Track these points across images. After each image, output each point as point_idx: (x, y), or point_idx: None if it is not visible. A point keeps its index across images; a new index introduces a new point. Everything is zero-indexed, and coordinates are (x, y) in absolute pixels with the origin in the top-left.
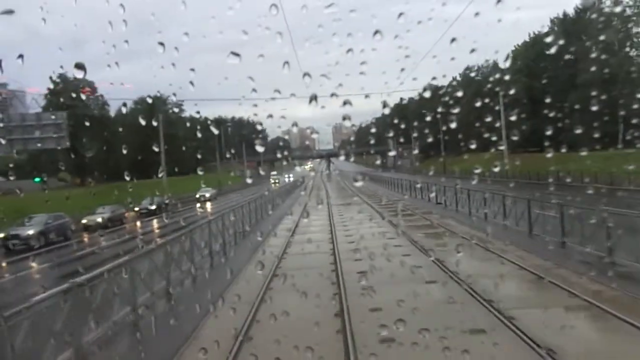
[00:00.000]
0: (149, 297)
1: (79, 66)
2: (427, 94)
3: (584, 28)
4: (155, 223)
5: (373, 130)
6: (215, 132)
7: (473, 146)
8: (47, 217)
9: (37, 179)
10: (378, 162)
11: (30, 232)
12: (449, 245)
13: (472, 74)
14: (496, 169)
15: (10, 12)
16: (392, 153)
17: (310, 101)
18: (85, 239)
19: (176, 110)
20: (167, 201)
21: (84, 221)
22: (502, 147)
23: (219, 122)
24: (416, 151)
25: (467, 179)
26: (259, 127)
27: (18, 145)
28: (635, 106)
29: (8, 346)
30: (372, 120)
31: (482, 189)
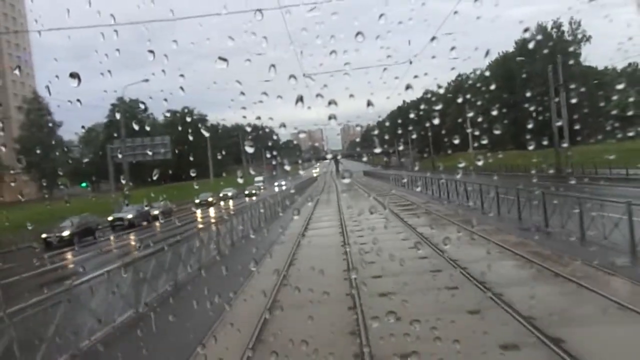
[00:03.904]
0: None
1: (73, 75)
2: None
3: (539, 49)
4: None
5: (376, 132)
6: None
7: (448, 150)
8: (137, 206)
9: (83, 184)
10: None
11: (130, 216)
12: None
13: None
14: (460, 168)
15: (146, 80)
16: (377, 150)
17: (297, 102)
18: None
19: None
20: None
21: None
22: (470, 149)
23: (237, 129)
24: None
25: (448, 173)
26: (248, 129)
27: (139, 157)
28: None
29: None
30: (376, 122)
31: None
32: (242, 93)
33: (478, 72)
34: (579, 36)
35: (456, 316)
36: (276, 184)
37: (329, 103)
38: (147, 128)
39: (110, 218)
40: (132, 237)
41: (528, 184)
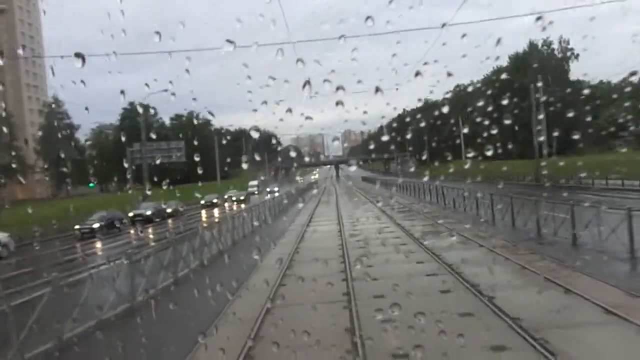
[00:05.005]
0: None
1: (78, 55)
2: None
3: (531, 64)
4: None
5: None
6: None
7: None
8: (154, 204)
9: (91, 184)
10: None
11: (148, 212)
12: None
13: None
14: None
15: (165, 90)
16: (352, 162)
17: (304, 86)
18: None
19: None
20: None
21: None
22: (468, 156)
23: (240, 133)
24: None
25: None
26: (254, 134)
27: (157, 159)
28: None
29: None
30: (377, 128)
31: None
32: (249, 77)
33: (475, 80)
34: (568, 53)
35: (409, 265)
36: (268, 189)
37: (337, 89)
38: (153, 135)
39: (131, 214)
40: (150, 230)
41: (498, 190)
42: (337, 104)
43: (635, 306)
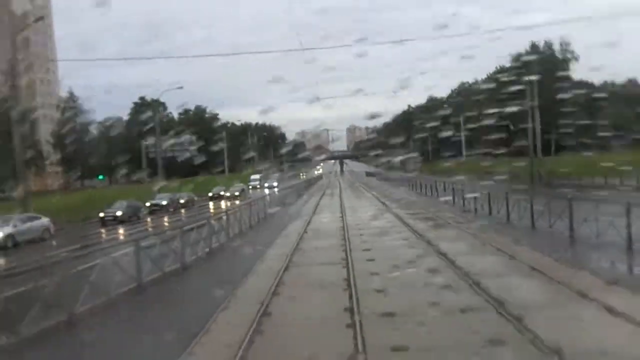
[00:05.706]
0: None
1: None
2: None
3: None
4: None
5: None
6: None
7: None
8: (169, 194)
9: (100, 177)
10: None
11: (164, 202)
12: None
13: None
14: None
15: (180, 87)
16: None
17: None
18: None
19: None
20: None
21: None
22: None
23: (246, 128)
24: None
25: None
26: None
27: (172, 153)
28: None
29: None
30: (382, 125)
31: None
32: (257, 70)
33: (480, 80)
34: (568, 55)
35: (395, 239)
36: (267, 184)
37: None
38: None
39: (147, 204)
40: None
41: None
42: (357, 91)
43: (554, 266)
